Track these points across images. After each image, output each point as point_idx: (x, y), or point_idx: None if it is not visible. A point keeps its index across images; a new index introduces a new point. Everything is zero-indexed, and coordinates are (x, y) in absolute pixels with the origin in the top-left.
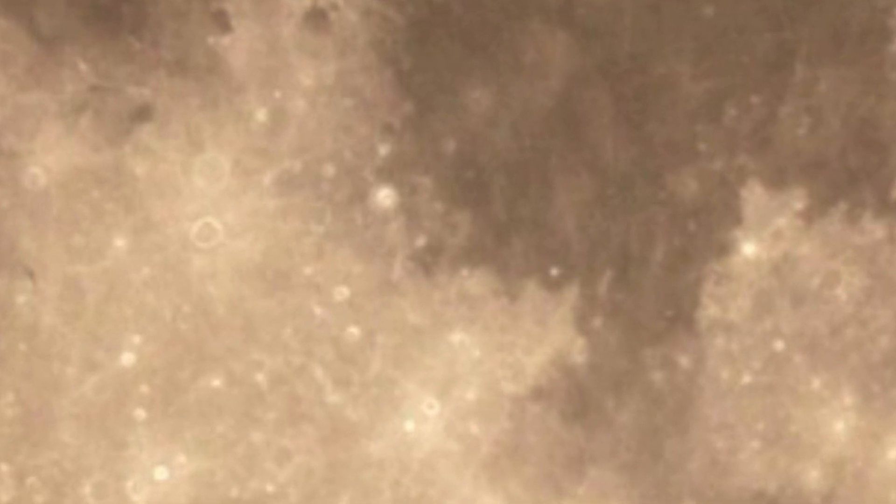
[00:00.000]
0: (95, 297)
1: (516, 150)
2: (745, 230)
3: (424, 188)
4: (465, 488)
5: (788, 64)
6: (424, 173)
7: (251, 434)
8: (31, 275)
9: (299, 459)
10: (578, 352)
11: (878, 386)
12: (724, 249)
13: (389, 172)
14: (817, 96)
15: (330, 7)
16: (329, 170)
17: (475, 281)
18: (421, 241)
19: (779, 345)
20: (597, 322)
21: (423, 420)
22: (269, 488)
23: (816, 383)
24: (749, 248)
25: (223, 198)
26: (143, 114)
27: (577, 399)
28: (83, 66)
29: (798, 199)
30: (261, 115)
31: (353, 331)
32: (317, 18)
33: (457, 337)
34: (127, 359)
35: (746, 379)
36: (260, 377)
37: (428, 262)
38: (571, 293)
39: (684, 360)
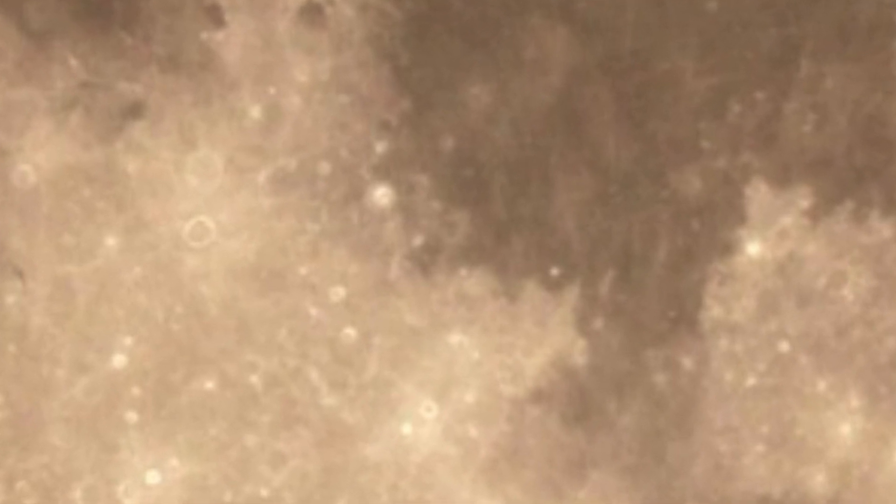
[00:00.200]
0: (86, 298)
1: (516, 147)
2: (749, 229)
3: (422, 186)
4: (463, 492)
5: (794, 60)
6: (422, 171)
7: (245, 437)
8: (20, 274)
9: (294, 463)
10: (579, 353)
11: (885, 388)
12: (728, 249)
13: (386, 170)
14: (823, 93)
15: (326, 2)
16: (325, 168)
17: (474, 281)
18: (418, 241)
19: (784, 346)
20: (598, 323)
21: (420, 423)
22: (264, 493)
23: (822, 385)
24: (753, 248)
25: (217, 196)
26: (134, 111)
27: (577, 401)
28: (73, 62)
29: (804, 198)
30: (255, 111)
31: (350, 332)
32: (312, 13)
33: (455, 338)
34: (118, 360)
35: (751, 381)
36: (254, 379)
37: (426, 261)
38: (572, 293)
39: (687, 362)
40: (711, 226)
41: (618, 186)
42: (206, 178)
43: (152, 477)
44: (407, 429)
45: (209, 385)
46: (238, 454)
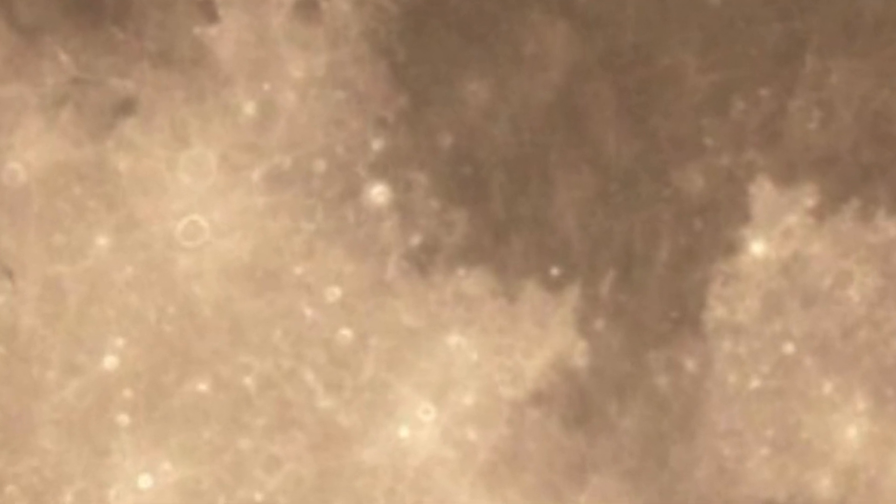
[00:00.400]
0: (77, 298)
1: (515, 145)
2: (753, 228)
3: (419, 184)
4: (461, 497)
5: (799, 55)
6: (419, 169)
7: (239, 440)
8: (9, 275)
9: (289, 467)
10: (580, 355)
11: (892, 390)
12: (732, 248)
13: (383, 168)
14: (829, 89)
15: None
16: (320, 165)
17: (472, 281)
18: (416, 240)
19: (788, 347)
20: (599, 324)
21: (418, 426)
22: (258, 497)
23: (828, 387)
24: (757, 247)
25: (210, 195)
26: (126, 107)
27: (578, 404)
28: (64, 58)
29: (809, 196)
30: (249, 108)
31: (346, 333)
32: (307, 8)
33: (453, 339)
34: (109, 362)
35: (755, 383)
36: (248, 381)
37: (423, 261)
38: (572, 294)
39: (690, 364)
40: (714, 225)
41: (619, 185)
42: (199, 176)
43: (144, 481)
44: (404, 432)
45: (202, 387)
46: (232, 458)
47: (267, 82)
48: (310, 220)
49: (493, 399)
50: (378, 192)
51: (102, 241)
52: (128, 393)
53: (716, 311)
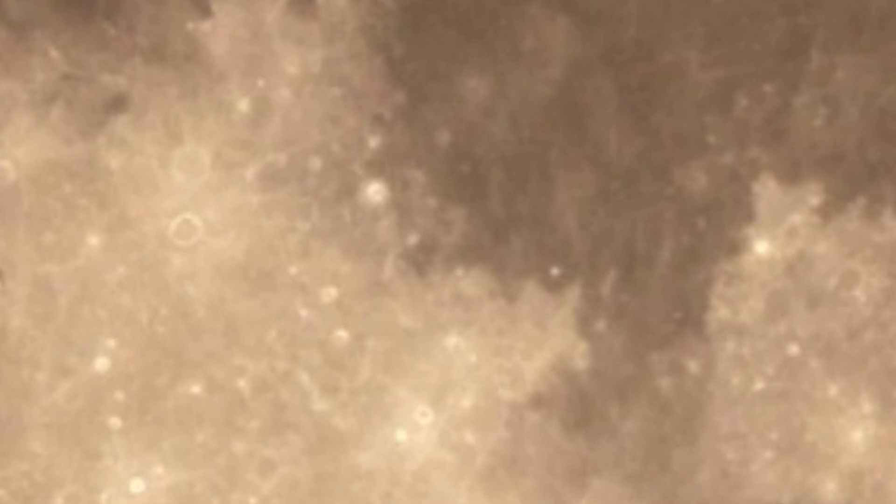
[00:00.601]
0: (67, 299)
1: (514, 142)
2: (757, 227)
3: (417, 183)
4: (460, 501)
5: (803, 51)
6: (417, 167)
7: (233, 444)
8: None
9: (284, 471)
10: (581, 356)
11: None
12: (736, 248)
13: (380, 166)
14: (834, 85)
15: None
16: (315, 163)
17: (471, 281)
18: (413, 239)
19: (793, 349)
20: (600, 325)
21: (415, 429)
22: (252, 501)
23: (833, 390)
24: (762, 247)
25: (203, 193)
26: (118, 104)
27: (578, 406)
28: (54, 54)
29: (814, 195)
30: (243, 105)
31: (342, 334)
32: (303, 3)
33: (451, 341)
34: (101, 364)
35: (759, 385)
36: (242, 383)
37: (421, 261)
38: (573, 294)
39: (693, 366)
40: (718, 224)
41: (620, 183)
42: (192, 174)
43: (136, 485)
44: (401, 435)
45: (195, 389)
46: (225, 461)
47: (261, 78)
48: (305, 218)
49: (491, 401)
50: (375, 191)
51: (94, 240)
52: (119, 395)
53: (719, 312)
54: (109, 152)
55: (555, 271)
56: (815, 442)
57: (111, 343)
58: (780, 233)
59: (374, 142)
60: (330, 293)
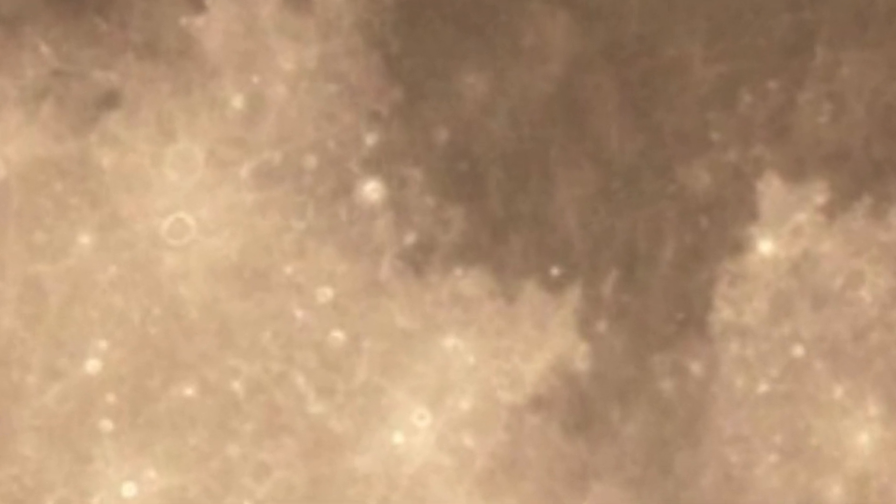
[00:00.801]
0: (58, 299)
1: (514, 139)
2: (761, 226)
3: (414, 181)
4: None
5: (808, 47)
6: (414, 165)
7: (227, 447)
8: None
9: (279, 474)
10: (581, 358)
11: None
12: (739, 247)
13: (377, 164)
14: (839, 81)
15: None
16: (311, 161)
17: (469, 281)
18: (411, 239)
19: (798, 350)
20: (601, 326)
21: (413, 432)
22: None
23: (839, 392)
24: (766, 246)
25: (197, 191)
26: (109, 100)
27: (579, 409)
28: (45, 49)
29: (819, 193)
30: (237, 102)
31: (338, 335)
32: None
33: (450, 342)
34: (92, 366)
35: (763, 387)
36: (236, 385)
37: (418, 260)
38: (573, 295)
39: (696, 367)
40: (721, 223)
41: (621, 181)
42: (185, 172)
43: (128, 489)
44: (398, 438)
45: (189, 392)
46: (219, 465)
47: (256, 75)
48: (300, 217)
49: (490, 404)
50: (371, 189)
51: (85, 239)
52: (111, 397)
53: (722, 313)
54: (101, 150)
55: (555, 271)
56: (820, 445)
57: (102, 344)
58: (784, 232)
59: (370, 139)
60: (326, 293)
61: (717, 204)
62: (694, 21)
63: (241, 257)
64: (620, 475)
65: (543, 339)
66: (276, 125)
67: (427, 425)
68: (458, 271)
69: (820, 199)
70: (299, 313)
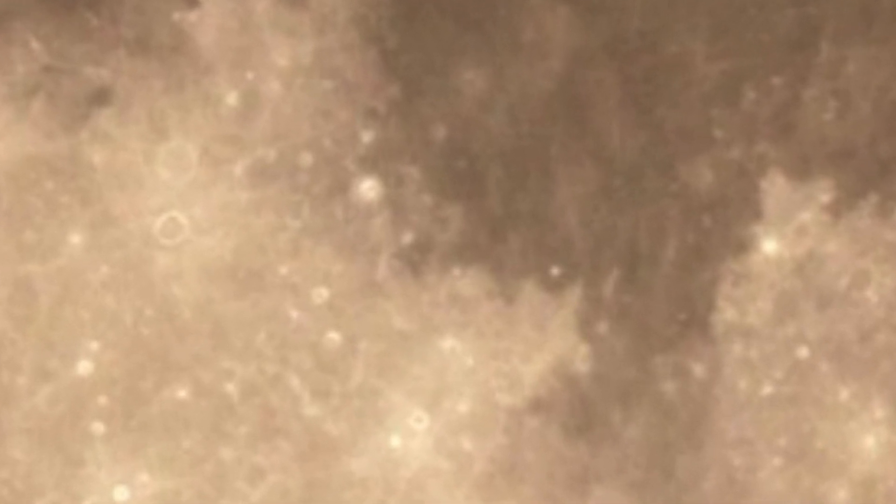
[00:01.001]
0: (49, 299)
1: (513, 137)
2: (765, 225)
3: (412, 179)
4: None
5: (813, 43)
6: (412, 163)
7: (221, 450)
8: None
9: (274, 478)
10: (582, 360)
11: None
12: (743, 247)
13: (373, 162)
14: (845, 78)
15: None
16: (306, 159)
17: (468, 281)
18: (408, 238)
19: (803, 352)
20: (602, 327)
21: (410, 435)
22: None
23: (844, 394)
24: (770, 246)
25: (190, 190)
26: (101, 97)
27: (580, 412)
28: (35, 45)
29: (824, 192)
30: (231, 98)
31: (333, 336)
32: None
33: (447, 343)
34: (84, 367)
35: (767, 389)
36: (230, 387)
37: (416, 260)
38: (574, 295)
39: (698, 369)
40: (724, 222)
41: (623, 179)
42: (178, 170)
43: (120, 493)
44: (395, 441)
45: (182, 394)
46: (213, 468)
47: (250, 71)
48: (295, 216)
49: (489, 406)
50: (368, 187)
51: (76, 238)
52: (103, 400)
53: (726, 313)
54: (92, 147)
55: (555, 271)
56: (825, 448)
57: (94, 345)
58: (788, 231)
59: (367, 136)
60: (321, 294)
61: (720, 202)
62: (697, 16)
63: (236, 257)
64: (622, 479)
65: (543, 340)
66: (271, 122)
67: (424, 428)
68: (457, 271)
69: (825, 197)
70: (294, 314)
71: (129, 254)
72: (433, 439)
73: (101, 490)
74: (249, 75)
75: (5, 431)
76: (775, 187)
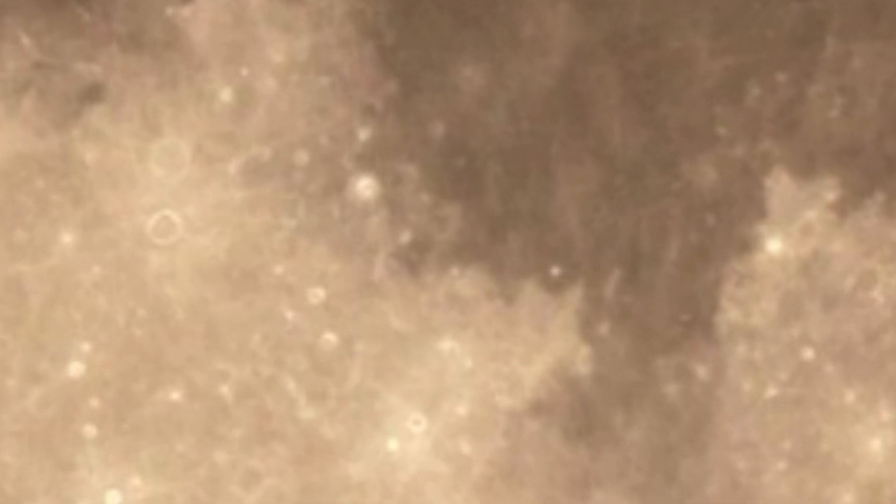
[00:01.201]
0: (39, 300)
1: (513, 134)
2: (769, 224)
3: (409, 177)
4: None
5: (819, 38)
6: (410, 161)
7: (214, 454)
8: None
9: (269, 482)
10: (582, 361)
11: None
12: (747, 246)
13: (370, 160)
14: (851, 74)
15: None
16: (302, 157)
17: (466, 281)
18: (406, 237)
19: (808, 353)
20: (603, 328)
21: (408, 438)
22: None
23: (850, 396)
24: (774, 245)
25: (183, 188)
26: (93, 94)
27: (580, 414)
28: (26, 41)
29: (830, 190)
30: (225, 95)
31: (330, 337)
32: None
33: (446, 344)
34: (75, 369)
35: (771, 391)
36: (224, 390)
37: (413, 260)
38: (575, 295)
39: (702, 371)
40: (728, 221)
41: (625, 177)
42: (171, 168)
43: (112, 497)
44: (393, 444)
45: (175, 396)
46: (207, 472)
47: (245, 67)
48: (291, 215)
49: (488, 409)
50: (365, 186)
51: (67, 238)
52: (95, 402)
53: (729, 314)
54: (84, 145)
55: (555, 271)
56: (830, 451)
57: (86, 347)
58: (793, 230)
59: (364, 134)
60: (317, 294)
61: (723, 201)
62: (699, 11)
63: (230, 257)
64: (623, 483)
65: (543, 341)
66: (266, 119)
67: (423, 431)
68: (455, 271)
69: (830, 196)
70: (290, 315)
71: (122, 253)
72: (431, 442)
73: (92, 494)
74: (244, 71)
75: None
76: (780, 186)
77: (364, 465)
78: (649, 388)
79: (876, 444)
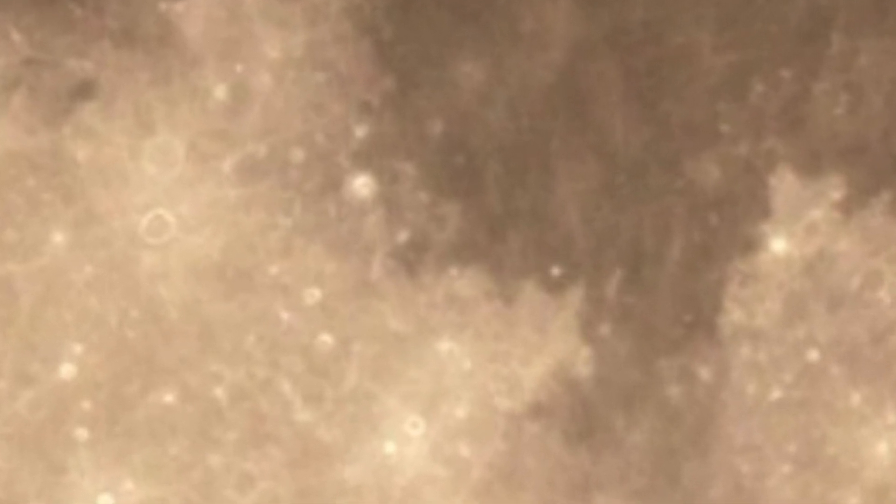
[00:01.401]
0: (30, 300)
1: (513, 131)
2: (774, 224)
3: (407, 176)
4: None
5: (824, 34)
6: (407, 159)
7: (209, 457)
8: None
9: (264, 486)
10: (583, 363)
11: None
12: (751, 246)
13: (367, 158)
14: (857, 71)
15: None
16: (298, 155)
17: (465, 282)
18: (403, 237)
19: (813, 354)
20: (604, 329)
21: (405, 441)
22: None
23: (856, 398)
24: (779, 245)
25: (177, 187)
26: (85, 91)
27: (581, 417)
28: (16, 37)
29: (835, 189)
30: (220, 92)
31: (326, 339)
32: None
33: (444, 346)
34: (66, 371)
35: (776, 393)
36: (219, 392)
37: (411, 260)
38: (575, 296)
39: (705, 372)
40: (731, 220)
41: (626, 175)
42: (165, 166)
43: (105, 501)
44: (390, 447)
45: (168, 398)
46: (201, 476)
47: (239, 63)
48: (286, 214)
49: (488, 411)
50: (362, 184)
51: (59, 237)
52: (86, 404)
53: (733, 315)
54: (76, 143)
55: (556, 271)
56: (836, 455)
57: (77, 348)
58: (798, 229)
59: (360, 131)
60: (313, 294)
61: (727, 200)
62: (703, 6)
63: (224, 256)
64: (625, 486)
65: (543, 342)
66: (261, 117)
67: (420, 434)
68: (454, 271)
69: (836, 194)
70: (285, 315)
71: (114, 253)
72: (429, 445)
73: (84, 498)
74: (239, 68)
75: None
76: (784, 184)
77: (361, 468)
78: (651, 389)
79: (882, 448)
